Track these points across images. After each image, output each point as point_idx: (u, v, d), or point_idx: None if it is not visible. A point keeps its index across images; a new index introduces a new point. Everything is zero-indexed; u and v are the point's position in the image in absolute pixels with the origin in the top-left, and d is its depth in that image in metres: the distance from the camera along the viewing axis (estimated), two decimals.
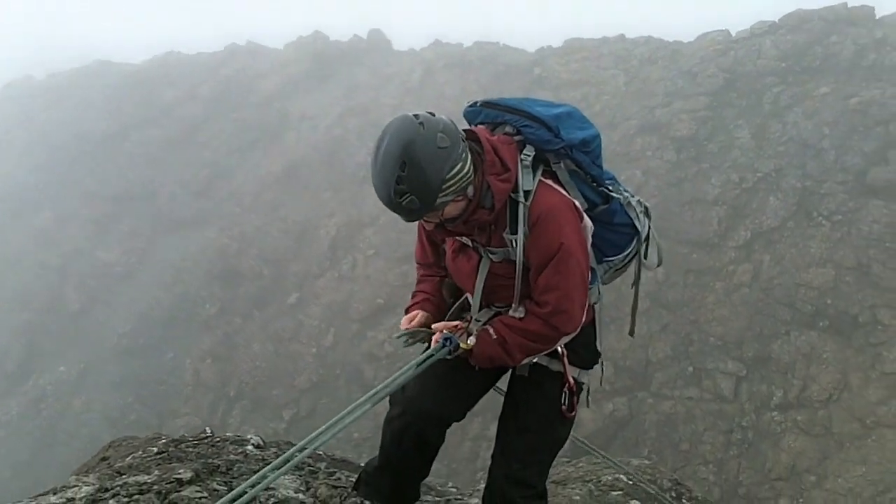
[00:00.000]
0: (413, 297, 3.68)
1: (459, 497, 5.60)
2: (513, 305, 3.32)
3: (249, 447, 4.32)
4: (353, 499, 3.68)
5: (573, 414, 3.50)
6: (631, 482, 6.12)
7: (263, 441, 4.54)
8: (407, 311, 3.59)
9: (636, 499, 6.00)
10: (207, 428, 4.72)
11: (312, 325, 22.79)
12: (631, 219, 3.48)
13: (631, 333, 4.12)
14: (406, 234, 23.36)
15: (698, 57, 24.18)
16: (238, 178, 28.73)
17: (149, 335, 25.13)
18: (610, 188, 3.41)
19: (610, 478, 6.18)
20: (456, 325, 3.37)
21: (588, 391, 3.58)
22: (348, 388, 20.88)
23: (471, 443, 18.10)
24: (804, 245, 18.24)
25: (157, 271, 26.87)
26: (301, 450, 2.83)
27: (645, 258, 3.62)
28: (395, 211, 3.02)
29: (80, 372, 25.22)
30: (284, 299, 23.92)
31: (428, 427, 3.49)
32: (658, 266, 3.71)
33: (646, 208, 3.58)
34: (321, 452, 4.73)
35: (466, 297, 3.60)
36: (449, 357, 3.28)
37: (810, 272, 17.78)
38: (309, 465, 4.19)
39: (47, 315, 27.31)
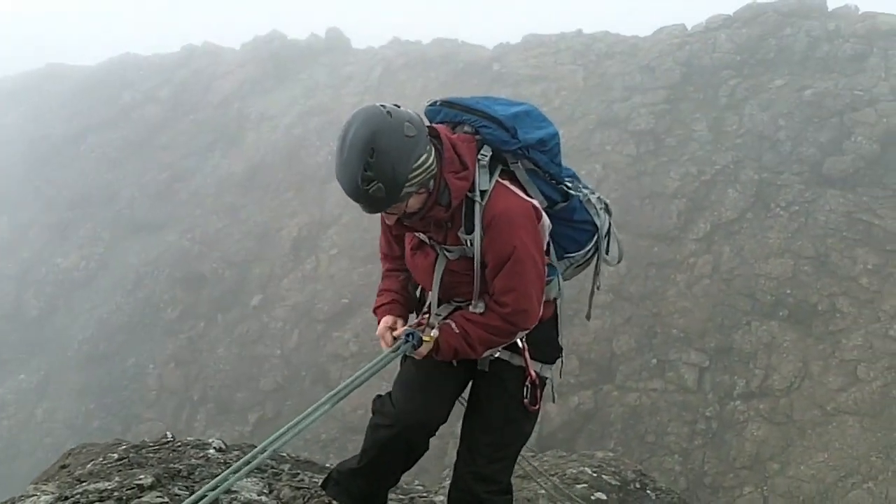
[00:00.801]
0: (379, 295, 3.67)
1: (425, 495, 5.61)
2: (472, 302, 3.35)
3: (211, 451, 4.29)
4: (318, 499, 3.68)
5: (537, 408, 3.54)
6: (595, 475, 6.18)
7: (225, 444, 4.51)
8: (375, 310, 3.59)
9: (600, 491, 6.05)
10: (168, 433, 4.68)
11: (276, 326, 22.65)
12: (590, 216, 3.51)
13: (588, 317, 4.24)
14: (369, 232, 23.28)
15: (656, 51, 24.35)
16: (198, 180, 28.45)
17: (110, 341, 24.83)
18: (569, 186, 3.44)
19: (574, 471, 6.24)
20: (418, 322, 3.40)
21: (552, 386, 3.62)
22: (314, 389, 20.77)
23: (437, 440, 17.79)
24: (763, 236, 18.46)
25: (117, 276, 26.54)
26: (262, 451, 2.82)
27: (606, 254, 3.66)
28: (359, 201, 3.02)
29: (42, 380, 24.89)
30: (248, 301, 23.74)
31: (417, 436, 3.51)
32: (619, 262, 3.76)
33: (605, 205, 3.62)
34: (285, 454, 4.71)
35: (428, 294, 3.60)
36: (413, 351, 3.28)
37: (769, 263, 18.00)
38: (272, 468, 4.18)
39: (6, 323, 26.91)
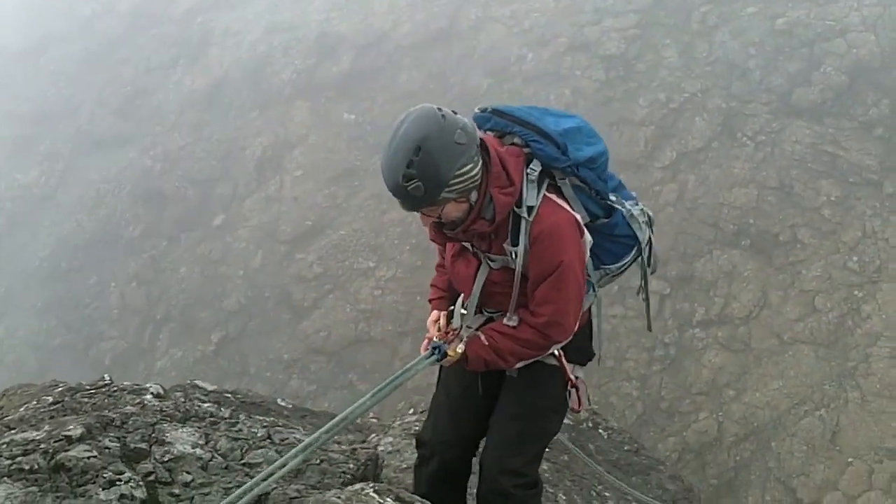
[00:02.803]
0: (431, 287, 3.89)
1: (378, 430, 5.59)
2: (507, 314, 3.42)
3: (148, 396, 4.20)
4: (256, 450, 3.64)
5: (568, 407, 3.73)
6: None
7: (164, 389, 4.42)
8: (430, 301, 3.83)
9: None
10: (106, 375, 4.58)
11: (240, 247, 22.45)
12: (632, 230, 3.60)
13: (649, 328, 4.81)
14: (335, 153, 23.01)
15: None
16: (160, 96, 27.74)
17: (71, 259, 24.54)
18: (612, 201, 3.50)
19: None
20: (446, 333, 3.43)
21: (585, 387, 3.76)
22: (277, 309, 20.75)
23: (400, 362, 18.21)
24: (728, 165, 18.44)
25: (78, 193, 26.07)
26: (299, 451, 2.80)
27: (648, 265, 3.81)
28: (397, 195, 3.05)
29: (1, 297, 24.64)
30: (211, 221, 23.44)
31: (456, 464, 3.73)
32: (654, 272, 3.92)
33: (648, 217, 3.74)
34: (230, 395, 4.65)
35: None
36: (439, 363, 3.38)
37: (734, 192, 18.01)
38: (211, 415, 4.09)
39: None
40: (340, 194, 22.17)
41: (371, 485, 2.95)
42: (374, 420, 6.53)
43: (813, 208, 17.32)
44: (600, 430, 6.29)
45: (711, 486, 15.10)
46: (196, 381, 5.19)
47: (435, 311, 3.63)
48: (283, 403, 6.19)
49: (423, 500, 3.06)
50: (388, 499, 2.81)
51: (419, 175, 2.93)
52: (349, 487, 2.89)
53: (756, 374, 16.01)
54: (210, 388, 4.78)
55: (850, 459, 14.03)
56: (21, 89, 30.33)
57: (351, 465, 3.73)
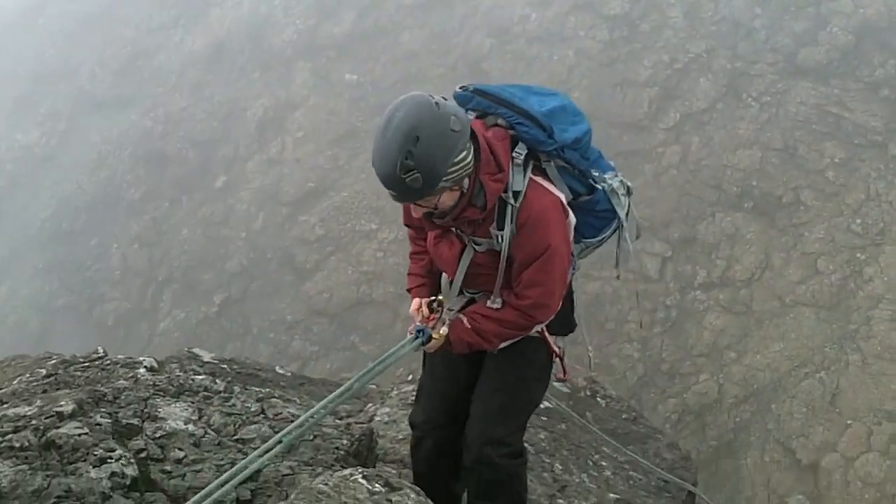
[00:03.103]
0: (408, 277, 3.84)
1: (376, 398, 5.58)
2: (492, 297, 3.41)
3: (141, 370, 4.16)
4: (249, 426, 3.63)
5: (549, 376, 3.80)
6: None
7: (157, 363, 4.39)
8: (409, 290, 3.78)
9: (554, 398, 6.09)
10: (100, 348, 4.56)
11: (242, 209, 22.40)
12: (612, 205, 3.57)
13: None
14: (336, 115, 22.86)
15: None
16: (161, 56, 27.50)
17: (73, 220, 24.52)
18: (595, 179, 3.48)
19: None
20: (429, 317, 3.43)
21: (563, 355, 3.82)
22: (279, 271, 20.77)
23: (402, 324, 18.24)
24: (733, 127, 18.29)
25: (79, 154, 25.96)
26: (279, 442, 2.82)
27: (627, 237, 3.74)
28: (392, 188, 2.97)
29: (3, 258, 24.67)
30: (212, 183, 23.37)
31: (447, 440, 3.73)
32: (636, 239, 3.85)
33: (627, 188, 3.67)
34: (225, 366, 4.63)
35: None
36: (423, 348, 3.39)
37: (738, 154, 17.90)
38: (205, 389, 4.07)
39: None
40: (342, 156, 22.07)
41: (360, 470, 2.93)
42: (373, 386, 6.52)
43: (817, 170, 17.22)
44: (598, 399, 6.29)
45: (711, 447, 15.19)
46: (194, 350, 5.17)
47: (416, 300, 3.61)
48: (281, 371, 6.20)
49: (413, 486, 3.05)
50: (377, 484, 2.79)
51: (417, 166, 2.85)
52: (338, 473, 2.85)
53: (757, 336, 16.04)
54: (207, 357, 4.75)
55: (849, 421, 14.08)
56: (19, 49, 30.10)
57: (345, 441, 3.71)
